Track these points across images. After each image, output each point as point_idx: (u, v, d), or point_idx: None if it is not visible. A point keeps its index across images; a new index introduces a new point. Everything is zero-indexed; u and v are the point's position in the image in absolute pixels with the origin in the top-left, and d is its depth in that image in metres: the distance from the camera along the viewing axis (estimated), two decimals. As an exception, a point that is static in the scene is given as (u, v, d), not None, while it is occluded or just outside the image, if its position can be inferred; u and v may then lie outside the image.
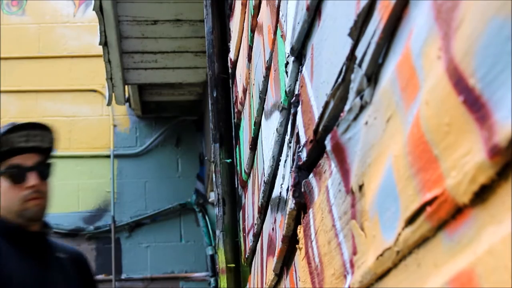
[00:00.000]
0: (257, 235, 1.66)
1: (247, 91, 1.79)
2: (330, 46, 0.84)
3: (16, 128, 1.95)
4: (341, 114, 0.77)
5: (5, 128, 1.93)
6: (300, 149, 0.99)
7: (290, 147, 1.10)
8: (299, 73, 1.05)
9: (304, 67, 1.01)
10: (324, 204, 0.85)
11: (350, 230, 0.73)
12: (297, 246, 1.04)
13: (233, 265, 2.22)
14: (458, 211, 0.48)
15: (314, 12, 0.95)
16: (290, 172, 1.06)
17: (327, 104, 0.84)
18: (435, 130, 0.51)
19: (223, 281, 2.22)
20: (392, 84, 0.62)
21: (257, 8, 1.55)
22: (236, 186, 2.25)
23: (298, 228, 1.04)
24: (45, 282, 1.84)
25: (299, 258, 1.02)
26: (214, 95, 2.37)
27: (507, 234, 0.41)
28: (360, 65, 0.71)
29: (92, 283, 2.06)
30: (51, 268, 1.88)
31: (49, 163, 2.01)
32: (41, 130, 1.98)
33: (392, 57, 0.64)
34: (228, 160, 2.30)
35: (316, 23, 0.95)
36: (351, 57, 0.74)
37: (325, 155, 0.86)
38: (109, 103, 4.93)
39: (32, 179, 1.92)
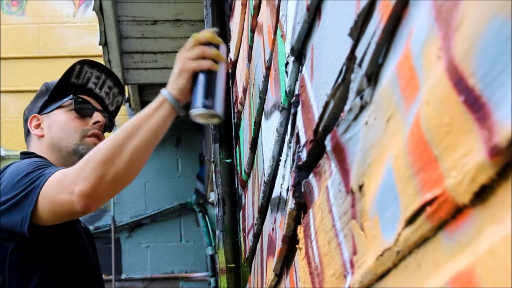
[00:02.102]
0: (257, 235, 1.66)
1: (247, 91, 1.79)
2: (330, 46, 0.84)
3: (95, 64, 1.82)
4: (341, 114, 0.77)
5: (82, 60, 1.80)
6: (300, 149, 0.99)
7: (290, 147, 1.10)
8: (299, 73, 1.05)
9: (304, 67, 1.01)
10: (324, 204, 0.85)
11: (350, 230, 0.73)
12: (297, 246, 1.04)
13: (233, 265, 2.22)
14: (458, 211, 0.48)
15: (314, 12, 0.95)
16: (290, 172, 1.06)
17: (327, 104, 0.84)
18: (435, 130, 0.51)
19: (223, 281, 2.22)
20: (392, 84, 0.62)
21: (257, 8, 1.55)
22: (236, 186, 2.25)
23: (298, 228, 1.04)
24: (84, 242, 1.76)
25: (299, 258, 1.02)
26: (214, 95, 2.37)
27: (507, 234, 0.41)
28: (360, 65, 0.71)
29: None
30: (80, 232, 1.80)
31: (113, 120, 1.87)
32: (114, 85, 1.86)
33: (392, 57, 0.64)
34: (228, 160, 2.30)
35: (316, 23, 0.95)
36: (351, 57, 0.74)
37: (325, 155, 0.86)
38: (109, 103, 4.92)
39: (99, 116, 1.77)
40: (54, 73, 5.85)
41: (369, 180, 0.67)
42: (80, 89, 1.79)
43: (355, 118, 0.73)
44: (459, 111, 0.47)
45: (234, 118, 2.22)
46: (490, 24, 0.43)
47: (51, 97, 1.78)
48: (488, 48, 0.43)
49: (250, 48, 1.68)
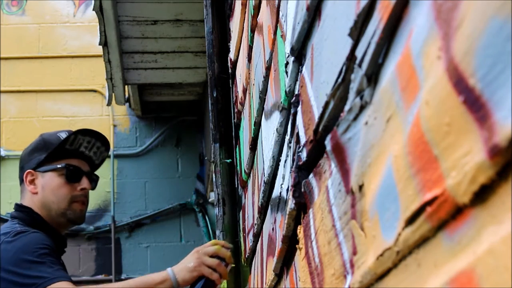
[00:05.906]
0: (257, 235, 1.66)
1: (247, 91, 1.79)
2: (330, 46, 0.84)
3: (86, 132, 2.09)
4: (341, 114, 0.77)
5: (73, 131, 2.08)
6: (300, 149, 0.99)
7: (290, 147, 1.10)
8: (299, 73, 1.05)
9: (304, 67, 1.01)
10: (324, 204, 0.85)
11: (350, 230, 0.73)
12: (297, 246, 1.04)
13: (233, 265, 2.22)
14: (458, 211, 0.48)
15: (314, 12, 0.95)
16: (290, 172, 1.06)
17: (327, 104, 0.84)
18: (435, 130, 0.51)
19: (223, 281, 2.22)
20: (392, 84, 0.62)
21: (257, 8, 1.55)
22: (236, 186, 2.25)
23: (298, 228, 1.04)
24: None
25: (299, 258, 1.02)
26: (214, 95, 2.37)
27: (507, 234, 0.41)
28: (360, 65, 0.71)
29: None
30: None
31: (97, 176, 2.15)
32: (102, 145, 2.13)
33: (392, 57, 0.64)
34: (228, 160, 2.30)
35: (316, 23, 0.95)
36: (351, 57, 0.74)
37: (325, 155, 0.86)
38: (109, 103, 4.93)
39: (85, 182, 2.05)
40: (54, 73, 5.84)
41: (369, 180, 0.67)
42: (73, 152, 2.06)
43: (355, 118, 0.73)
44: (459, 111, 0.47)
45: (234, 118, 2.22)
46: (490, 24, 0.43)
47: (46, 158, 2.03)
48: (488, 48, 0.43)
49: (250, 48, 1.68)
